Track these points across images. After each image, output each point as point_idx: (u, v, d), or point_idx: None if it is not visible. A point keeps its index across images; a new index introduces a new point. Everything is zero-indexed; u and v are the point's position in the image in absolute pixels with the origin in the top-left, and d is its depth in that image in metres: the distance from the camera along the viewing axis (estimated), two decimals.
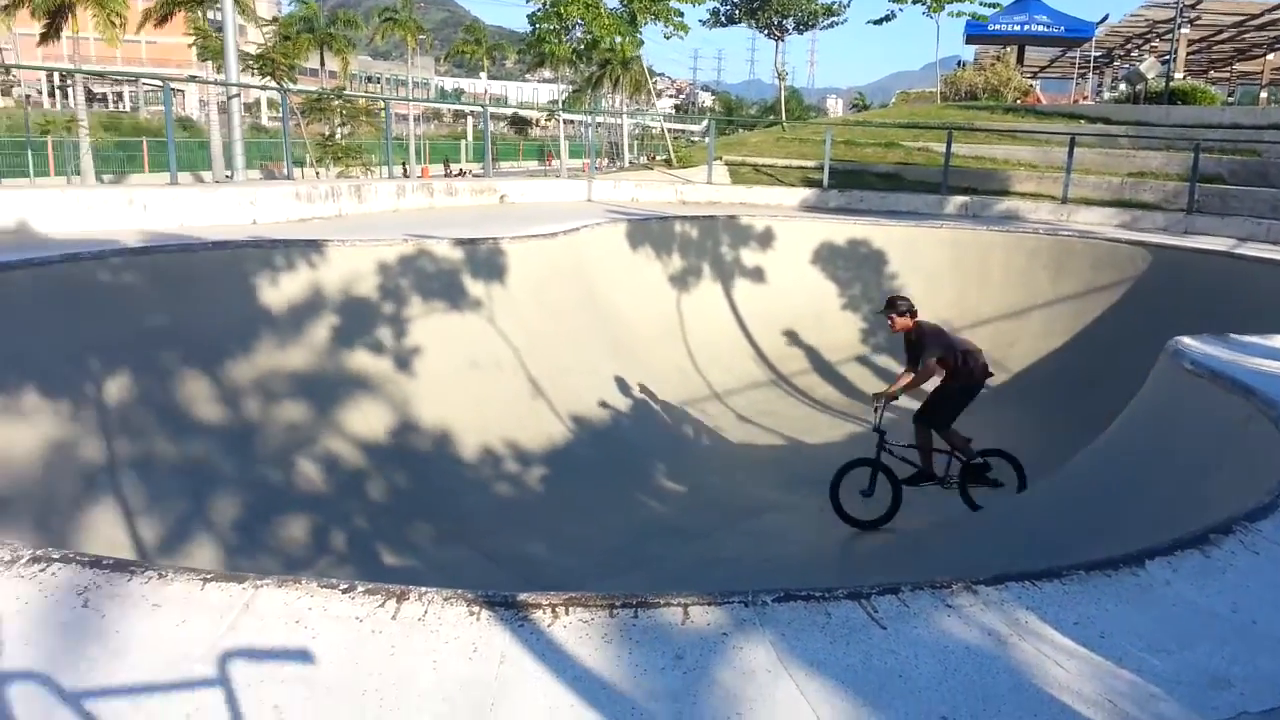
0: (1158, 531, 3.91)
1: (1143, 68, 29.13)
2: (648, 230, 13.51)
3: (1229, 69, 44.32)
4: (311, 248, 9.22)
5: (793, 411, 11.71)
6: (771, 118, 40.22)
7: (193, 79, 36.73)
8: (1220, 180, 16.23)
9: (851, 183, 18.18)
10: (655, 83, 47.47)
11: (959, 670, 2.72)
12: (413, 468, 8.30)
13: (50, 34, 30.61)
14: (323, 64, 40.32)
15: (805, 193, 17.83)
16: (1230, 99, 41.26)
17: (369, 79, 77.07)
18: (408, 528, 7.65)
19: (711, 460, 10.11)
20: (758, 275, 13.84)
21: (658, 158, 29.69)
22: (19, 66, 47.57)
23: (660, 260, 13.35)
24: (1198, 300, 10.32)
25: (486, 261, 10.32)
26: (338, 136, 29.18)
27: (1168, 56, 28.77)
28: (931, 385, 8.02)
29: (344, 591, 2.92)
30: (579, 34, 23.92)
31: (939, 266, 13.57)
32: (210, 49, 31.76)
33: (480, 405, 9.07)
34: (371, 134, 33.05)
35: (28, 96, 51.03)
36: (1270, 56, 37.75)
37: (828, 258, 14.05)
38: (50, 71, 46.63)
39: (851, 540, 7.77)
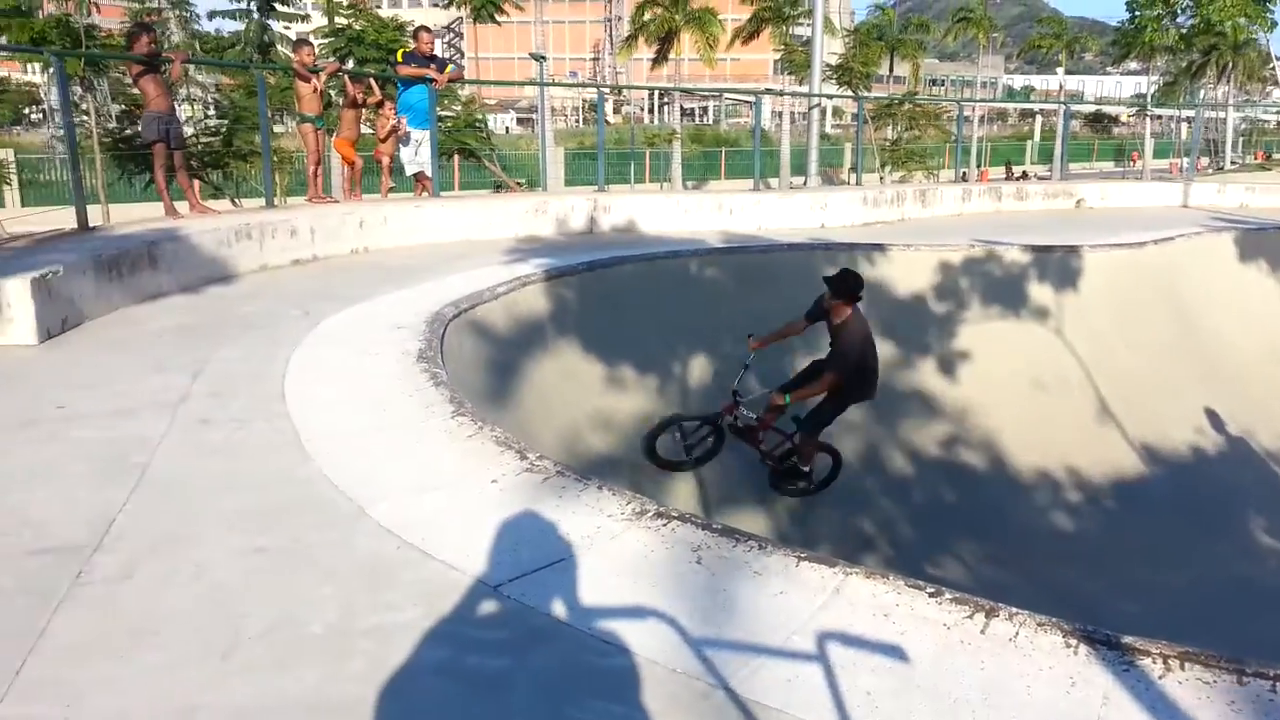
0: None
1: None
2: (1262, 241, 11.52)
3: None
4: (876, 251, 9.45)
5: None
6: None
7: (770, 91, 39.94)
8: None
9: None
10: (1275, 68, 40.11)
11: None
12: (962, 480, 8.11)
13: (660, 58, 35.44)
14: (891, 69, 41.06)
15: None
16: None
17: (932, 82, 76.74)
18: (953, 541, 7.49)
19: None
20: None
21: (1268, 156, 25.22)
22: (629, 87, 56.02)
23: (1275, 276, 11.29)
24: None
25: (1058, 270, 9.67)
26: (903, 141, 29.50)
27: None
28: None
29: (930, 595, 2.91)
30: (1187, 19, 21.17)
31: None
32: (794, 62, 34.10)
33: (1040, 423, 8.54)
34: (936, 137, 32.89)
35: (634, 114, 59.87)
36: None
37: None
38: (653, 91, 54.00)
39: None
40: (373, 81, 11.20)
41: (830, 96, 26.11)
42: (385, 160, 10.98)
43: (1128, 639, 2.69)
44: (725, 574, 3.05)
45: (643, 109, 70.11)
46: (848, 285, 6.22)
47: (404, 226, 9.30)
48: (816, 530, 7.27)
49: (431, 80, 10.35)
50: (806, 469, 6.77)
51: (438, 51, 13.12)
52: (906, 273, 9.32)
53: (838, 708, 2.38)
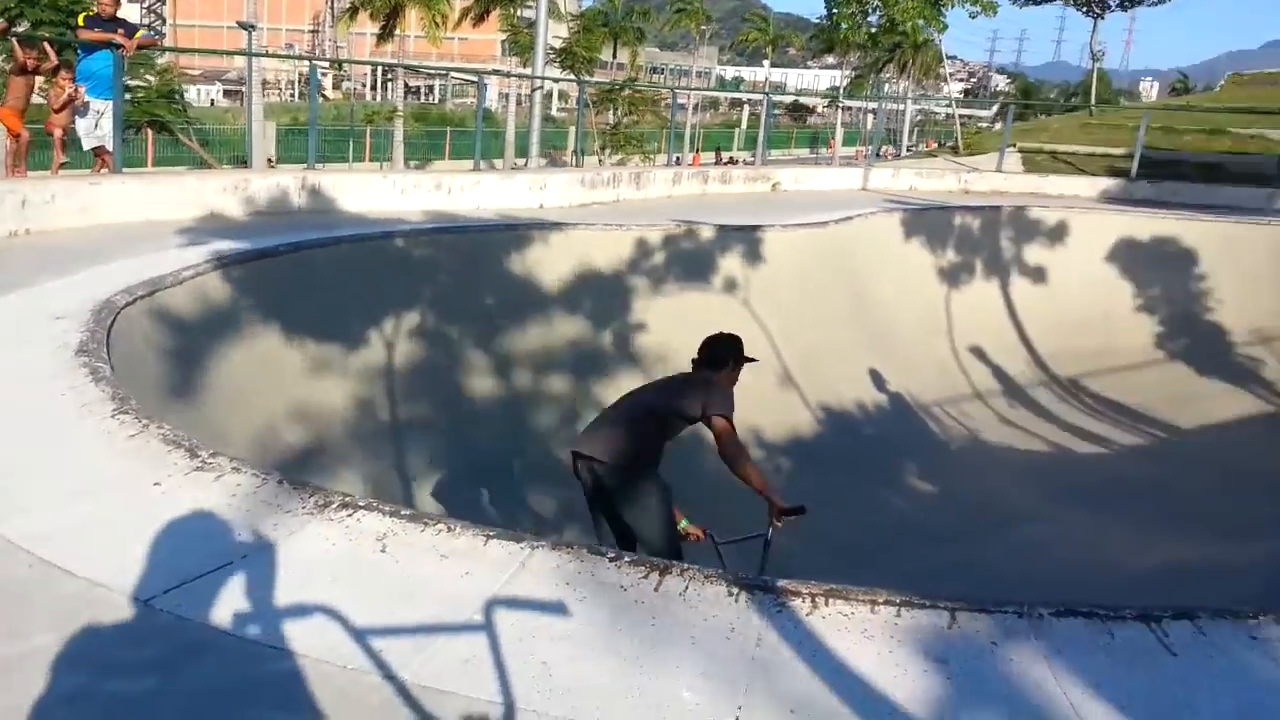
0: None
1: None
2: (924, 221, 13.02)
3: None
4: (589, 229, 9.73)
5: (1064, 416, 10.88)
6: (1075, 101, 37.24)
7: (495, 72, 39.64)
8: None
9: (1164, 173, 16.48)
10: (946, 66, 45.35)
11: (1261, 713, 2.43)
12: None
13: (385, 34, 34.12)
14: (614, 55, 42.04)
15: (1107, 183, 16.39)
16: None
17: (653, 70, 79.51)
18: None
19: (968, 463, 9.61)
20: (1040, 270, 12.94)
21: (939, 144, 28.44)
22: (349, 61, 53.57)
23: (934, 253, 12.81)
24: None
25: (750, 248, 10.39)
26: (622, 125, 30.38)
27: None
28: None
29: (611, 560, 3.07)
30: (876, 19, 23.32)
31: (1260, 269, 12.06)
32: (520, 44, 34.03)
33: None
34: (653, 123, 34.12)
35: (355, 90, 57.37)
36: None
37: (1126, 254, 12.85)
38: (375, 66, 52.05)
39: (1124, 561, 7.11)
40: (48, 45, 10.00)
41: (553, 80, 26.37)
42: (58, 133, 9.83)
43: (782, 583, 2.98)
44: (410, 560, 3.04)
45: (365, 85, 67.23)
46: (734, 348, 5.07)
47: (76, 206, 8.34)
48: (532, 507, 7.39)
49: (118, 46, 9.36)
50: None
51: (134, 16, 11.84)
52: (613, 251, 9.65)
53: (508, 681, 2.45)
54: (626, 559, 3.09)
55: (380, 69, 57.65)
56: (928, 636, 2.75)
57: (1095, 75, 27.99)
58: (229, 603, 2.71)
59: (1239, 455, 9.64)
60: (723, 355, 4.94)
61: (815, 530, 7.72)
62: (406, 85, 46.28)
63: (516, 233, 9.51)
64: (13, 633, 2.51)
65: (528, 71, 23.39)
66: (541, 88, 18.58)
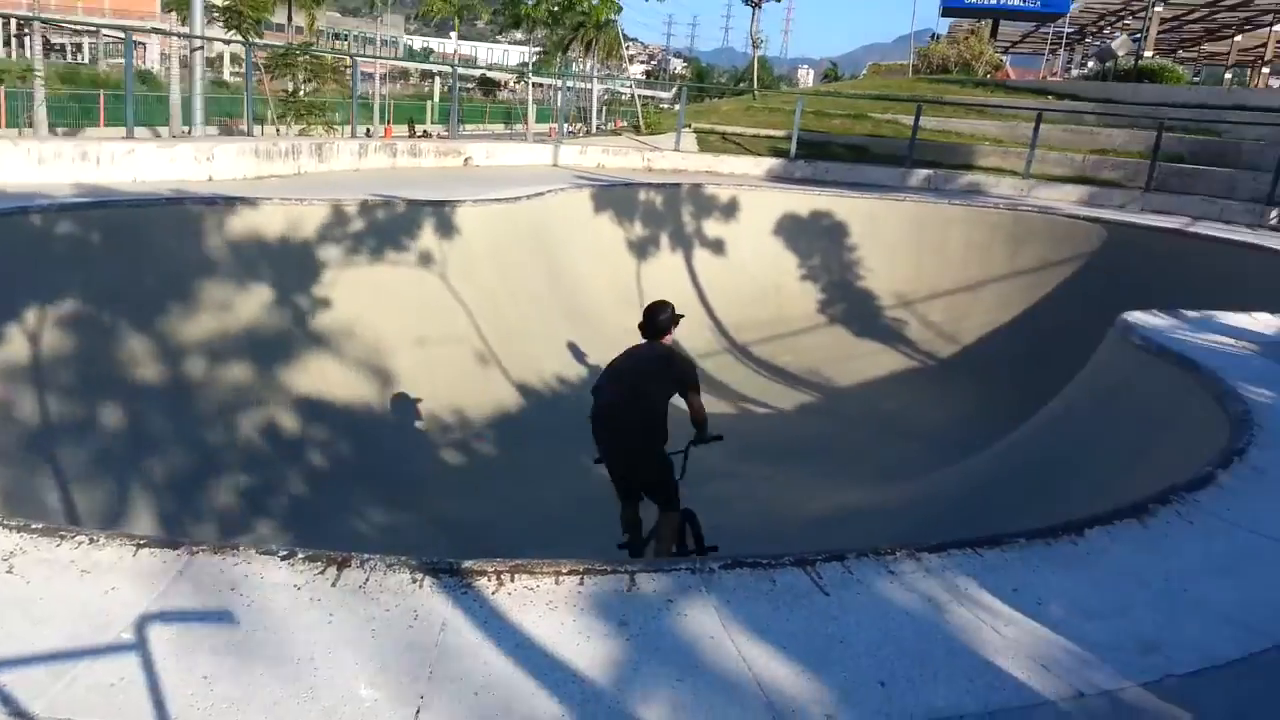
0: (1099, 501, 3.98)
1: (1114, 45, 29.31)
2: (612, 197, 13.41)
3: (1197, 49, 44.67)
4: (264, 204, 9.05)
5: (747, 380, 11.75)
6: (743, 85, 40.01)
7: (155, 30, 35.68)
8: (1181, 159, 16.43)
9: (819, 153, 18.15)
10: (628, 48, 46.85)
11: (898, 636, 2.75)
12: (358, 431, 8.23)
13: None
14: (290, 19, 39.22)
15: (772, 162, 17.79)
16: (1196, 79, 41.72)
17: (336, 36, 75.30)
18: (352, 493, 7.59)
19: None
20: (719, 244, 13.82)
21: (624, 124, 29.46)
22: None
23: (623, 227, 13.27)
24: (1150, 277, 10.46)
25: (443, 223, 10.18)
26: (301, 93, 28.48)
27: (1139, 34, 28.96)
28: None
29: (283, 558, 2.88)
30: None
31: (899, 239, 13.64)
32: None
33: (430, 369, 9.00)
34: (336, 92, 32.38)
35: None
36: (1239, 38, 38.14)
37: (790, 229, 14.04)
38: (6, 19, 45.03)
39: (799, 509, 7.84)
40: None
41: (213, 40, 24.16)
42: None
43: (467, 563, 2.95)
44: (45, 579, 2.68)
45: None
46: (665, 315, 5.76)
47: None
48: (209, 510, 6.83)
49: None
50: None
51: None
52: (298, 228, 9.07)
53: (163, 702, 2.23)
54: (300, 555, 2.91)
55: (14, 23, 49.92)
56: (609, 601, 2.84)
57: (756, 62, 30.22)
58: None
59: (891, 407, 10.89)
60: (665, 323, 5.75)
61: (524, 503, 7.81)
62: (48, 42, 40.51)
63: (181, 207, 8.63)
64: None
65: (182, 30, 21.33)
66: (202, 48, 17.00)
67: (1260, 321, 7.01)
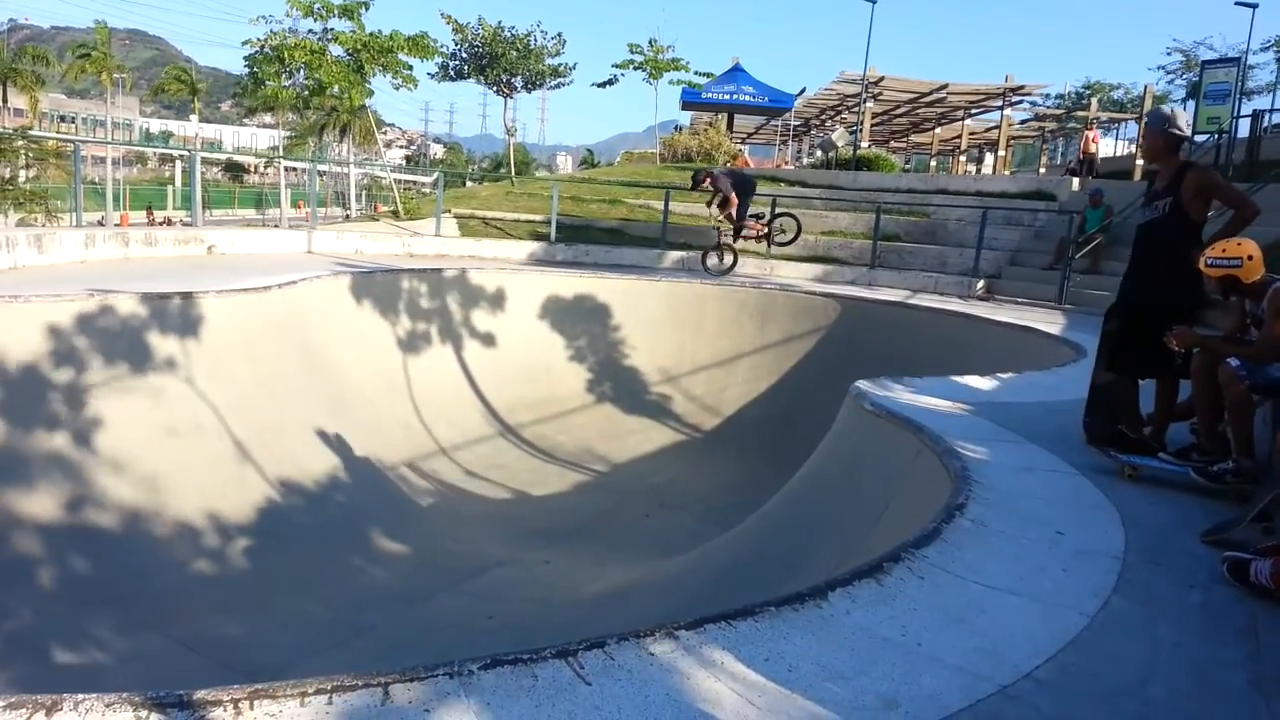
0: (846, 561, 4.25)
1: (834, 136, 32.43)
2: (372, 284, 13.11)
3: (906, 140, 50.48)
4: None
5: (521, 464, 11.72)
6: (502, 171, 40.60)
7: None
8: (898, 238, 18.30)
9: (578, 237, 18.70)
10: (385, 132, 46.55)
11: (659, 718, 2.78)
12: (93, 549, 7.43)
13: None
14: (5, 101, 35.83)
15: (533, 246, 18.11)
16: (907, 166, 46.92)
17: (62, 118, 69.63)
18: (88, 618, 6.80)
19: (437, 519, 9.85)
20: (487, 328, 13.82)
21: (384, 209, 29.03)
22: None
23: (385, 315, 12.97)
24: (879, 344, 11.51)
25: (182, 317, 9.51)
26: (21, 180, 25.97)
27: (855, 127, 32.22)
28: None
29: None
30: (303, 79, 22.99)
31: (659, 317, 14.23)
32: None
33: (176, 475, 8.29)
34: (63, 178, 29.79)
35: None
36: (938, 130, 43.42)
37: (555, 310, 14.29)
38: None
39: (577, 590, 7.84)
40: None
41: None
42: None
43: (200, 694, 2.70)
44: None
45: None
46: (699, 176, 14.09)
47: None
48: None
49: None
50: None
51: None
52: (12, 330, 8.18)
53: None
54: (2, 701, 2.55)
55: None
56: (364, 717, 2.69)
57: (511, 148, 30.94)
58: None
59: (660, 480, 11.21)
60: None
61: (289, 612, 7.29)
62: None
63: None
64: None
65: None
66: None
67: (973, 382, 7.84)
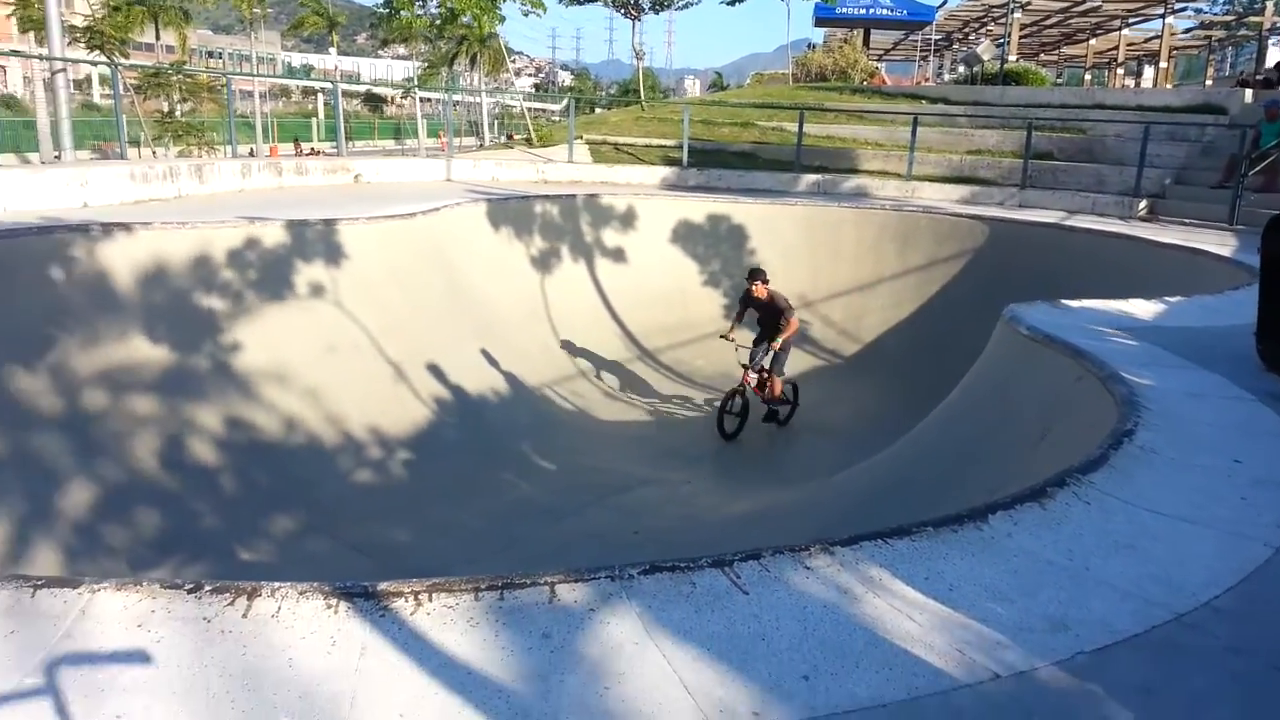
0: (1001, 487, 4.14)
1: (979, 50, 30.70)
2: (508, 210, 13.34)
3: (1057, 52, 47.22)
4: (147, 230, 8.68)
5: (659, 387, 11.84)
6: (629, 97, 40.32)
7: (14, 53, 33.80)
8: (1050, 157, 17.27)
9: (710, 161, 18.45)
10: (514, 61, 46.76)
11: (817, 630, 2.80)
12: (267, 460, 7.97)
13: None
14: (158, 37, 37.72)
15: (665, 171, 17.99)
16: (1059, 80, 44.02)
17: (210, 54, 72.91)
18: (265, 522, 7.35)
19: (580, 438, 10.11)
20: (620, 253, 13.89)
21: (517, 136, 29.31)
22: None
23: (522, 240, 13.21)
24: (1031, 269, 10.97)
25: (337, 243, 9.95)
26: (177, 114, 27.46)
27: (1002, 40, 30.37)
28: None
29: (189, 592, 2.77)
30: (435, 8, 23.27)
31: (795, 242, 13.96)
32: (31, 19, 29.25)
33: (337, 392, 8.77)
34: (215, 111, 31.33)
35: None
36: (1093, 42, 40.46)
37: (688, 235, 14.22)
38: None
39: (719, 509, 7.93)
40: None
41: (74, 61, 23.08)
42: None
43: (383, 585, 2.88)
44: None
45: None
46: (763, 273, 10.15)
47: None
48: (115, 547, 6.50)
49: None
50: (785, 399, 10.50)
51: None
52: (186, 253, 8.73)
53: None
54: (208, 587, 2.80)
55: None
56: (531, 614, 2.82)
57: (641, 72, 30.56)
58: None
59: (800, 407, 11.11)
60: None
61: (444, 522, 7.69)
62: None
63: (55, 236, 8.20)
64: None
65: (40, 53, 20.34)
66: (64, 70, 16.20)
67: (1136, 308, 7.41)
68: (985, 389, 6.48)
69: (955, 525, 3.50)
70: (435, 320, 10.50)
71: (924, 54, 44.65)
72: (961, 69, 37.66)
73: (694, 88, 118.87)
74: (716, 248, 14.15)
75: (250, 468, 7.86)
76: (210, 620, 2.65)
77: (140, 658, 2.47)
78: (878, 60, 42.32)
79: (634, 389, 11.61)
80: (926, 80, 39.94)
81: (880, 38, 40.45)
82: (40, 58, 20.68)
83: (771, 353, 10.05)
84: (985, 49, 30.53)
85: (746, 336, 10.49)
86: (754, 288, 9.97)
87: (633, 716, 2.39)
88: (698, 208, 14.55)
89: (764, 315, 10.25)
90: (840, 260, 13.68)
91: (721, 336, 10.27)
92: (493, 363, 10.61)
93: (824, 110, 21.11)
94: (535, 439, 9.77)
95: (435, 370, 9.82)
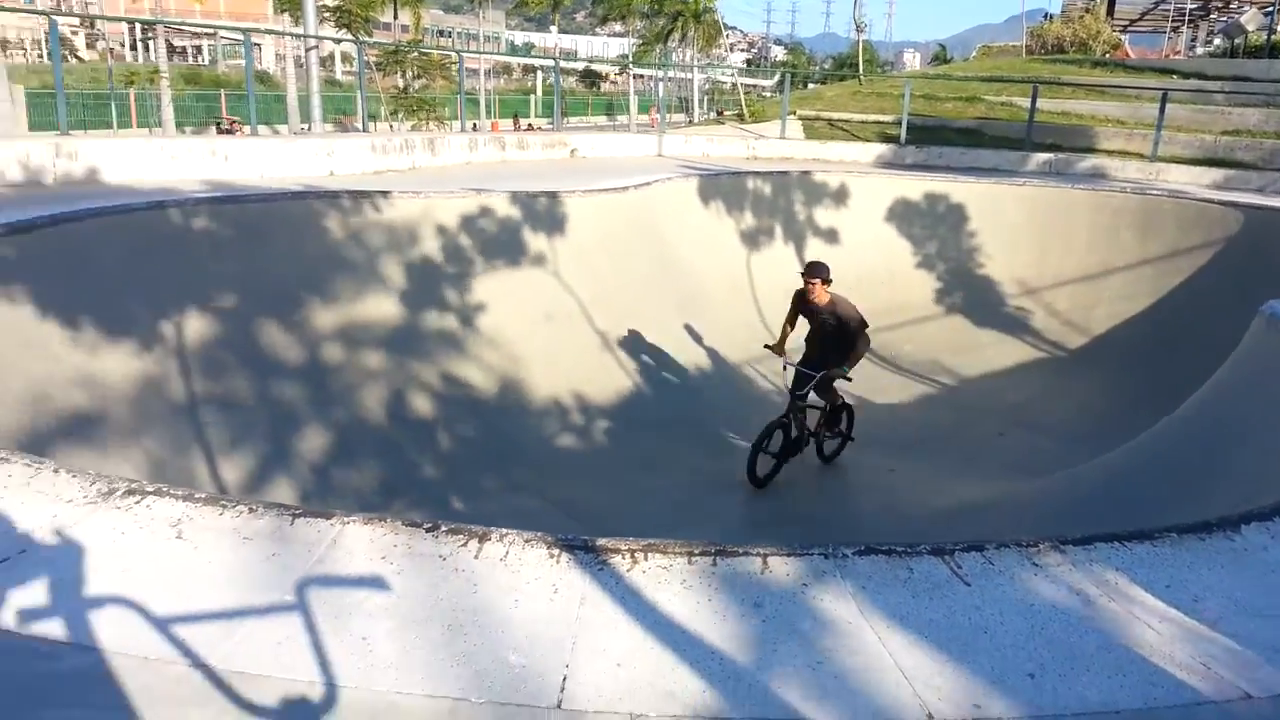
0: (1254, 497, 3.76)
1: (1243, 20, 27.69)
2: (719, 186, 13.35)
3: None
4: (385, 199, 9.32)
5: (863, 369, 11.51)
6: (845, 71, 39.26)
7: (270, 31, 37.11)
8: None
9: (929, 138, 17.70)
10: (727, 36, 46.63)
11: (1045, 629, 2.66)
12: (483, 418, 8.42)
13: None
14: (395, 16, 40.30)
15: (881, 148, 17.43)
16: None
17: (440, 33, 76.99)
18: (478, 476, 7.77)
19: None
20: (830, 231, 13.59)
21: (727, 113, 29.26)
22: (104, 18, 48.63)
23: (731, 216, 13.19)
24: None
25: (555, 215, 10.32)
26: (412, 90, 29.24)
27: (1271, 8, 27.26)
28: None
29: (428, 530, 2.98)
30: None
31: (1019, 225, 13.18)
32: (286, 1, 31.98)
33: (550, 358, 9.13)
34: (445, 88, 33.15)
35: (111, 50, 52.21)
36: None
37: (903, 215, 13.72)
38: (133, 24, 47.57)
39: (924, 502, 7.66)
40: None
41: (326, 39, 25.01)
42: None
43: (601, 541, 2.99)
44: (211, 545, 2.83)
45: (124, 45, 61.20)
46: (825, 270, 7.40)
47: None
48: (344, 488, 7.10)
49: None
50: (842, 428, 8.32)
51: None
52: (418, 221, 9.34)
53: (326, 660, 2.34)
54: (444, 528, 3.00)
55: (139, 27, 52.79)
56: (743, 583, 2.84)
57: (860, 46, 29.62)
58: (10, 602, 2.44)
59: (1016, 399, 10.53)
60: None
61: (645, 489, 7.87)
62: (170, 45, 42.61)
63: (307, 201, 8.99)
64: None
65: (299, 30, 22.15)
66: (316, 47, 17.60)
67: None
68: (1237, 394, 5.89)
69: (1202, 533, 3.23)
70: (642, 293, 10.70)
71: (1175, 24, 40.75)
72: (1219, 41, 34.10)
73: (913, 61, 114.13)
74: (933, 229, 13.58)
75: (465, 424, 8.33)
76: (445, 558, 2.84)
77: (382, 586, 2.68)
78: (1122, 31, 39.04)
79: None
80: (1177, 53, 36.44)
81: (1126, 6, 37.27)
82: (295, 36, 22.56)
83: (824, 382, 7.63)
84: (1250, 18, 27.51)
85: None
86: (811, 288, 7.41)
87: (846, 693, 2.37)
88: (915, 186, 14.01)
89: (820, 329, 7.71)
90: (1070, 246, 12.77)
91: (767, 347, 8.03)
92: (696, 338, 10.70)
93: (1060, 84, 19.73)
94: (734, 416, 9.77)
95: (640, 342, 10.02)
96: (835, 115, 20.11)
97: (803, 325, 7.96)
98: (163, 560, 2.74)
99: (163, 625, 2.43)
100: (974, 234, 13.32)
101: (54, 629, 2.39)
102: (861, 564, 2.97)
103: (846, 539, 3.19)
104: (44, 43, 58.90)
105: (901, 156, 17.03)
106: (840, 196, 13.88)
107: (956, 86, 21.75)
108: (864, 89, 22.98)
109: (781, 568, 2.93)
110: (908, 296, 12.89)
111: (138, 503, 3.02)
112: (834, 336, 7.52)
